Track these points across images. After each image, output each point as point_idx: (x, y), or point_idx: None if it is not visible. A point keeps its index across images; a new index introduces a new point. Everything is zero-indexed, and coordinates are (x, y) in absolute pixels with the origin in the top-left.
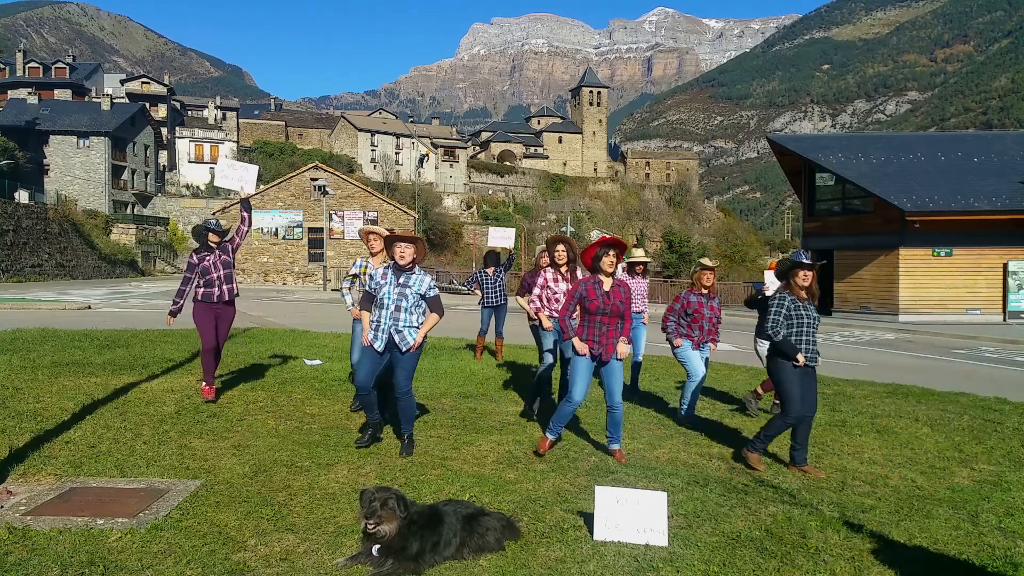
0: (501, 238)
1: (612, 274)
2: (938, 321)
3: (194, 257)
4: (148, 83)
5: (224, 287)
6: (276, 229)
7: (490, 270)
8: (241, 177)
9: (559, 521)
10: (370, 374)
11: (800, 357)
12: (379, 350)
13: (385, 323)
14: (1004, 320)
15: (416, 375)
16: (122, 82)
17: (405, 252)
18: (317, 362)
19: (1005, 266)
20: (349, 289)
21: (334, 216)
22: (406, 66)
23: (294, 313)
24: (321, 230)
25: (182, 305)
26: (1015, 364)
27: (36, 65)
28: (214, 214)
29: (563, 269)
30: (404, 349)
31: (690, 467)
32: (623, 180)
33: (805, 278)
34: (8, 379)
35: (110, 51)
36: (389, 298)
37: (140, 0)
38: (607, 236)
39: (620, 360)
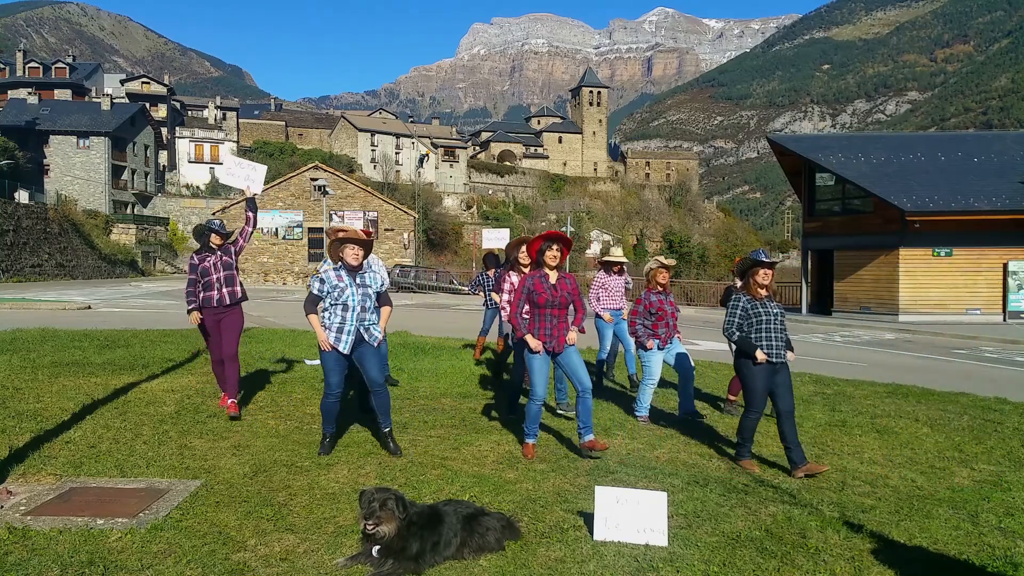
0: (496, 239)
1: (557, 267)
2: (938, 321)
3: (195, 258)
4: (148, 83)
5: (224, 290)
6: (276, 229)
7: (491, 272)
8: (248, 176)
9: (559, 521)
10: (342, 377)
11: (759, 354)
12: (346, 352)
13: (352, 324)
14: (1004, 320)
15: (416, 375)
16: (122, 82)
17: (359, 253)
18: (317, 362)
19: (1005, 266)
20: None
21: (334, 216)
22: (406, 66)
23: (294, 313)
24: (321, 230)
25: (198, 302)
26: (1015, 364)
27: (36, 65)
28: (214, 214)
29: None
30: (376, 344)
31: (690, 467)
32: (623, 180)
33: (765, 276)
34: (8, 379)
35: (110, 51)
36: (354, 300)
37: (140, 0)
38: (552, 231)
39: (572, 345)
